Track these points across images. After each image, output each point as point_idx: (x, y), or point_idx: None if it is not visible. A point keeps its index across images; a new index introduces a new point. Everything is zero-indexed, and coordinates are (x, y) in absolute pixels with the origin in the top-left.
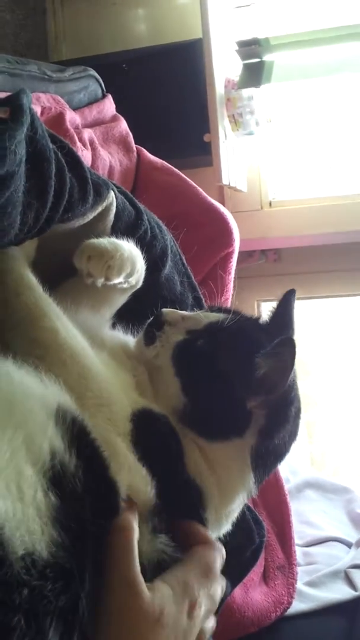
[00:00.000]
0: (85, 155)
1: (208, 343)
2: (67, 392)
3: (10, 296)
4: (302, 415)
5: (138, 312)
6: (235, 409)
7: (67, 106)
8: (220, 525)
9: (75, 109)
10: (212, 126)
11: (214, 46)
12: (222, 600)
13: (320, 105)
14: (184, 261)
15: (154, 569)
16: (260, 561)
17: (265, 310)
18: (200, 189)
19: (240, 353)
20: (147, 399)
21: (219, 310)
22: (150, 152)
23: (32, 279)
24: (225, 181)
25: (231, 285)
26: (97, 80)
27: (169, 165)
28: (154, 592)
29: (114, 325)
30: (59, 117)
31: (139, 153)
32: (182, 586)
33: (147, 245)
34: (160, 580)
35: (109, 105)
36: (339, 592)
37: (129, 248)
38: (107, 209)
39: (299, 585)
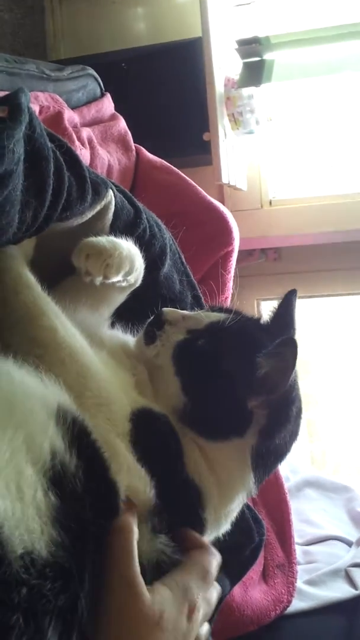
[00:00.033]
0: (84, 154)
1: (209, 343)
2: (67, 391)
3: (9, 295)
4: (303, 414)
5: (137, 311)
6: (236, 408)
7: (66, 105)
8: (219, 525)
9: (73, 108)
10: (212, 125)
11: (214, 45)
12: (221, 599)
13: (320, 104)
14: (183, 260)
15: (154, 569)
16: (260, 560)
17: (265, 309)
18: (199, 188)
19: (241, 353)
20: (146, 398)
21: (220, 310)
22: (150, 151)
23: (31, 278)
24: (225, 180)
25: (231, 284)
26: (96, 79)
27: (168, 164)
28: (154, 594)
29: (113, 324)
30: (58, 116)
31: (138, 152)
32: (182, 590)
33: (146, 244)
34: (160, 583)
35: (107, 104)
36: (339, 591)
37: (127, 246)
38: (105, 208)
39: (299, 583)
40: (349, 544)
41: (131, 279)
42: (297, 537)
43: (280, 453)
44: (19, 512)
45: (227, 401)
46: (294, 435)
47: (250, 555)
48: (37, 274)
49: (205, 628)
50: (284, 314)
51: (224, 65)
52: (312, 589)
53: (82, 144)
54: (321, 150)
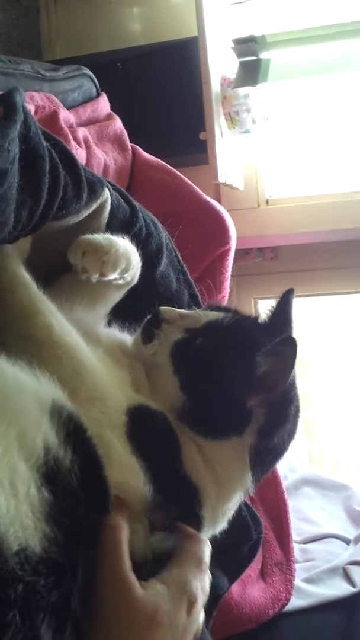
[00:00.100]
0: (80, 154)
1: (208, 341)
2: (62, 387)
3: (5, 294)
4: (301, 412)
5: (134, 309)
6: (235, 407)
7: (61, 105)
8: (217, 523)
9: (69, 107)
10: (208, 124)
11: (210, 44)
12: (220, 596)
13: (317, 103)
14: (180, 258)
15: (151, 566)
16: (258, 558)
17: (263, 308)
18: (196, 187)
19: (240, 351)
20: (143, 396)
21: (218, 308)
22: (146, 151)
23: (27, 277)
24: (221, 179)
25: (228, 283)
26: (92, 79)
27: (165, 164)
28: (147, 589)
29: (109, 323)
30: (53, 116)
31: (134, 151)
32: (179, 584)
33: (143, 243)
34: (155, 579)
35: (103, 104)
36: (337, 589)
37: (123, 244)
38: (101, 207)
39: (297, 581)
40: (347, 541)
41: (128, 276)
42: (295, 535)
43: (278, 452)
44: (13, 509)
45: (226, 400)
46: (292, 434)
47: (249, 553)
48: (33, 273)
49: (201, 615)
50: (282, 313)
51: (220, 64)
52: (310, 586)
53: (78, 143)
54: (317, 150)
